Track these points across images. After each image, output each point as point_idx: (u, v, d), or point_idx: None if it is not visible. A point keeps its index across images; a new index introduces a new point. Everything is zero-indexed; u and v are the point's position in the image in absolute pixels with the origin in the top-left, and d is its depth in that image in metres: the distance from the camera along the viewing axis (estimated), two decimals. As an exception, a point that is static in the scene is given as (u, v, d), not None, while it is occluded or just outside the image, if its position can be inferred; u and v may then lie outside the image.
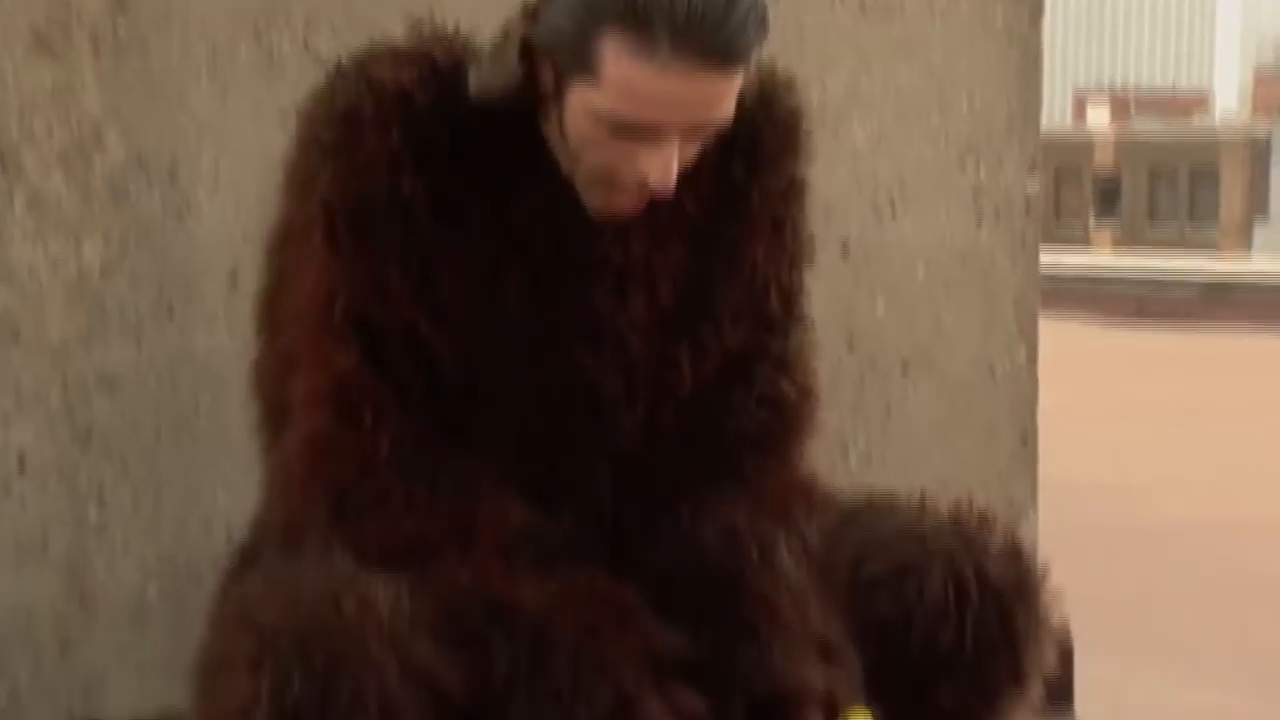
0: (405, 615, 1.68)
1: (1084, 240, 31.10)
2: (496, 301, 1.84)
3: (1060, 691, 2.88)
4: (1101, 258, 23.81)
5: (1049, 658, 1.88)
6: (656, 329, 1.89)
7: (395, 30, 1.92)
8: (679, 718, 1.71)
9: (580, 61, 1.74)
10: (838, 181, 2.73)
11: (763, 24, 1.74)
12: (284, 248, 1.89)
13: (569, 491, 1.87)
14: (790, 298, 1.96)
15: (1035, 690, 1.89)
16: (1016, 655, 1.84)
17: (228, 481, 2.41)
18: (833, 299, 2.74)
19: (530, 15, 1.79)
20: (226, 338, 2.39)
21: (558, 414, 1.87)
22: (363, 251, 1.81)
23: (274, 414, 1.91)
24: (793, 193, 1.95)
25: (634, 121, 1.74)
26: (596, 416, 1.87)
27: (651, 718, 1.70)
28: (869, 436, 2.80)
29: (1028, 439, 2.88)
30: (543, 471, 1.86)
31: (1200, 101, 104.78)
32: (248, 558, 1.96)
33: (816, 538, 1.87)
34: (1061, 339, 9.64)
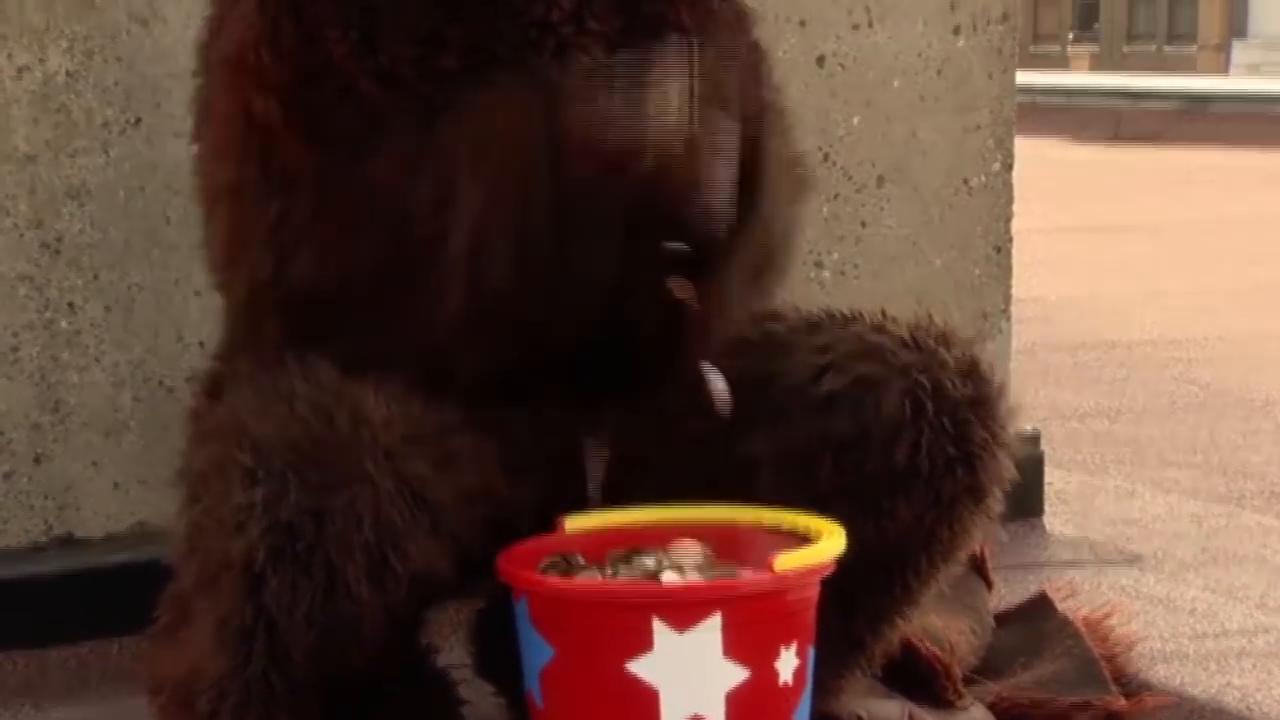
0: (398, 429, 1.68)
1: (1061, 64, 30.90)
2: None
3: (1028, 501, 2.91)
4: (1078, 76, 23.67)
5: (1007, 472, 1.87)
6: None
7: None
8: None
9: None
10: (813, -9, 2.70)
11: None
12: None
13: None
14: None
15: (994, 505, 1.89)
16: (973, 470, 1.83)
17: (199, 290, 2.41)
18: (808, 112, 2.72)
19: None
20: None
21: None
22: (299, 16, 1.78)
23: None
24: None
25: None
26: None
27: None
28: (843, 250, 2.79)
29: (1002, 248, 2.87)
30: None
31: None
32: (218, 380, 1.95)
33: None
34: (1037, 156, 9.61)
